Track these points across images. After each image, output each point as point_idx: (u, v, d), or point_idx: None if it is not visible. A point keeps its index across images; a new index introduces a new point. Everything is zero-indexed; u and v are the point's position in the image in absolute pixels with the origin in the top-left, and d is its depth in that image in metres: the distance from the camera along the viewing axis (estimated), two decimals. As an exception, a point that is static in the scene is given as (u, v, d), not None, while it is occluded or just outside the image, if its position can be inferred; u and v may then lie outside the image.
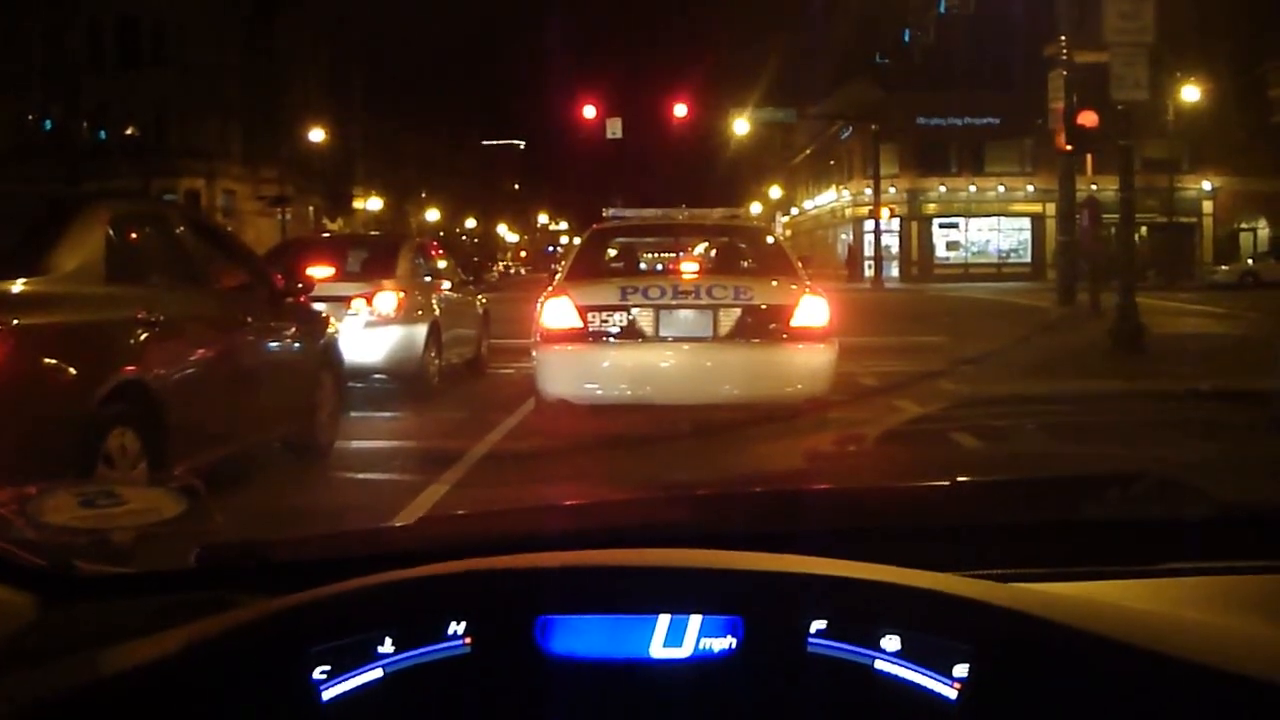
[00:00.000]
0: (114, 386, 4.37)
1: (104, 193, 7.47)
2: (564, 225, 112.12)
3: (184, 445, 4.80)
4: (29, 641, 1.15)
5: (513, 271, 68.01)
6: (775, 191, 64.14)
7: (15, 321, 4.00)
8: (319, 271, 8.59)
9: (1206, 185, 45.17)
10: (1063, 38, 17.63)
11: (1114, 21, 12.65)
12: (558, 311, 7.01)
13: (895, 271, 45.78)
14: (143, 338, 4.68)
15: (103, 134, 42.48)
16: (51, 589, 1.23)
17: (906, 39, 46.16)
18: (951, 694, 0.98)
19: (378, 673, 1.02)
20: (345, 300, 9.08)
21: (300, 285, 6.70)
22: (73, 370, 4.24)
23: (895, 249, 47.35)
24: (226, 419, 5.52)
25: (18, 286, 4.19)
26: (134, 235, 5.23)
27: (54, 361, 4.18)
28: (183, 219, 6.01)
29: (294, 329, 6.49)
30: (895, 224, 46.51)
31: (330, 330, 7.13)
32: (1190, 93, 36.35)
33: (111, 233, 4.82)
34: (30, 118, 40.67)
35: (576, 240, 11.22)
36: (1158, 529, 1.39)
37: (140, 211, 6.00)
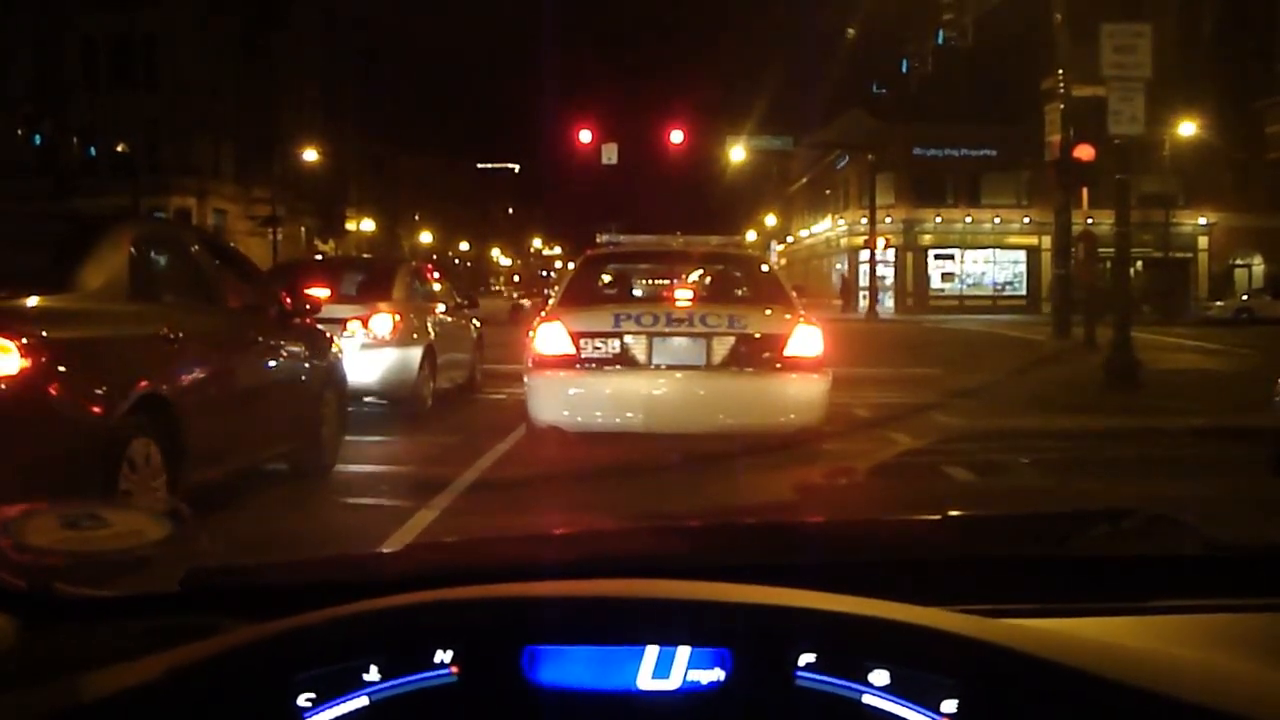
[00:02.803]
0: (137, 399, 4.58)
1: (127, 214, 7.83)
2: (558, 250, 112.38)
3: (199, 458, 5.02)
4: (8, 665, 1.14)
5: (505, 296, 67.95)
6: (771, 219, 64.45)
7: (45, 334, 4.24)
8: (316, 293, 8.63)
9: (1202, 221, 45.47)
10: (1060, 72, 17.81)
11: (1111, 56, 12.77)
12: (550, 337, 7.01)
13: (890, 302, 45.89)
14: (163, 353, 4.94)
15: (92, 151, 42.50)
16: (32, 612, 1.21)
17: (904, 69, 46.49)
18: None
19: (363, 701, 1.02)
20: (342, 322, 9.10)
21: (307, 306, 6.90)
22: (98, 381, 4.48)
23: (890, 279, 47.50)
24: (238, 434, 5.73)
25: (48, 302, 4.47)
26: (155, 255, 5.49)
27: (81, 373, 4.41)
28: (198, 240, 6.31)
29: (301, 349, 6.70)
30: (891, 254, 46.68)
31: (334, 350, 7.35)
32: (1187, 128, 36.67)
33: (134, 252, 5.07)
34: (20, 133, 40.71)
35: (570, 265, 11.24)
36: (1149, 565, 1.38)
37: (160, 232, 6.38)
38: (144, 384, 4.67)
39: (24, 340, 4.09)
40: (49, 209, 19.11)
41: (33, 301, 4.39)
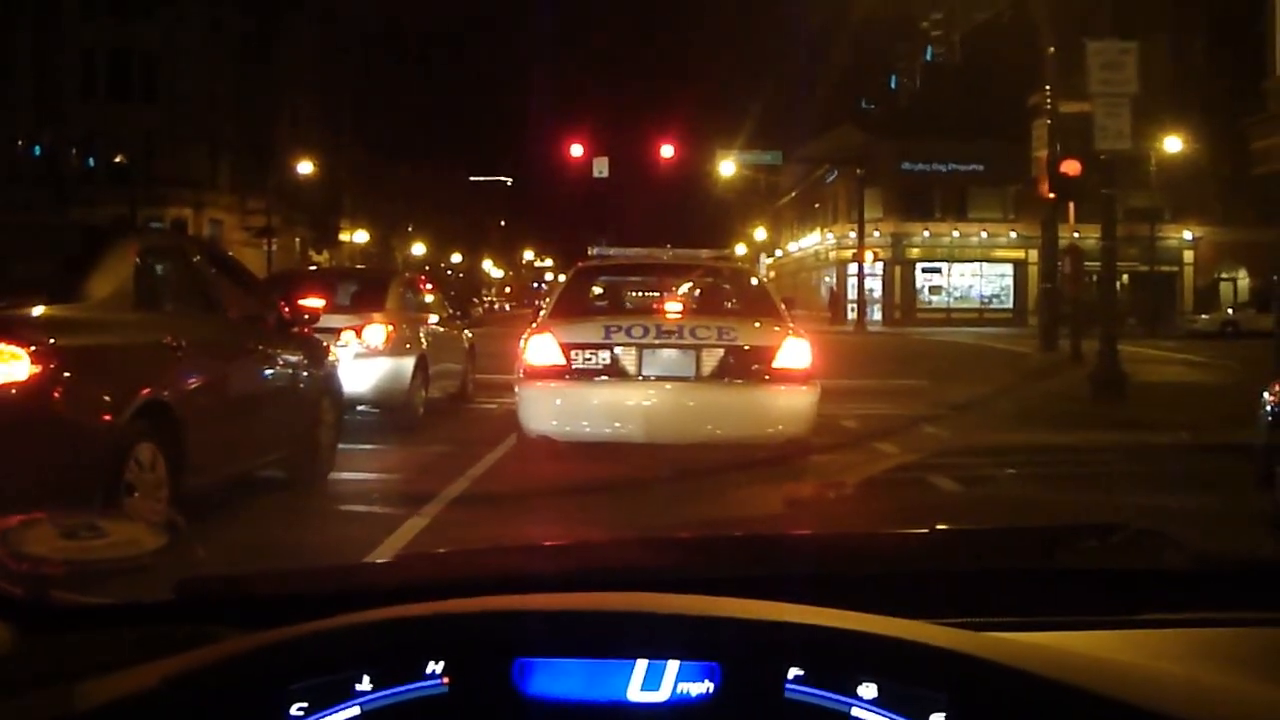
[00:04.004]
0: (140, 405, 4.73)
1: (133, 225, 7.98)
2: (549, 262, 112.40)
3: (199, 462, 5.15)
4: (5, 673, 1.14)
5: (497, 307, 68.09)
6: (760, 233, 64.58)
7: (53, 341, 4.40)
8: (310, 303, 8.67)
9: (1188, 235, 45.75)
10: (1047, 87, 17.89)
11: (1097, 73, 12.86)
12: (541, 348, 7.03)
13: (878, 315, 46.03)
14: (166, 361, 5.12)
15: (91, 161, 42.61)
16: (28, 620, 1.22)
17: (893, 85, 46.80)
18: None
19: (355, 711, 1.02)
20: (336, 332, 9.10)
21: (306, 316, 7.02)
22: (104, 388, 4.64)
23: (878, 292, 47.67)
24: (238, 440, 5.87)
25: (57, 311, 4.65)
26: (159, 265, 5.63)
27: (88, 379, 4.56)
28: (200, 251, 6.47)
29: (299, 357, 6.82)
30: (879, 268, 46.86)
31: (331, 359, 7.49)
32: (1172, 143, 36.90)
33: (139, 263, 5.23)
34: (20, 143, 40.83)
35: (561, 277, 11.27)
36: (1135, 579, 1.38)
37: (165, 244, 6.60)
38: (147, 390, 4.81)
39: (33, 347, 4.24)
40: (52, 219, 19.39)
41: (42, 310, 4.56)
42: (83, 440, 4.45)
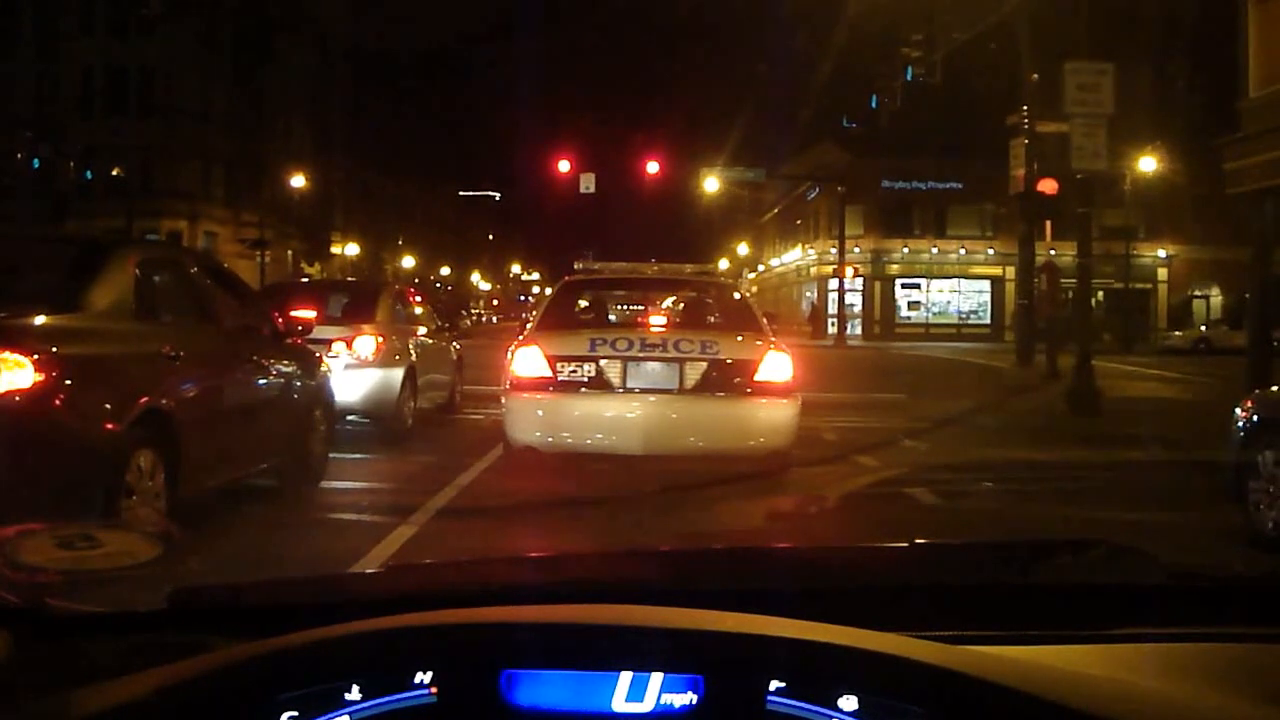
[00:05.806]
0: (140, 413, 4.82)
1: (132, 238, 8.03)
2: (536, 275, 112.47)
3: (196, 469, 5.23)
4: (1, 680, 1.15)
5: (485, 320, 67.95)
6: (743, 248, 64.75)
7: (55, 350, 4.48)
8: (302, 315, 8.69)
9: (1162, 253, 46.20)
10: (1025, 108, 18.05)
11: (1074, 94, 13.03)
12: (528, 360, 7.06)
13: (858, 329, 46.20)
14: (164, 370, 5.22)
15: (89, 174, 42.61)
16: (25, 627, 1.22)
17: (874, 104, 46.97)
18: None
19: (344, 719, 1.04)
20: (326, 343, 9.10)
21: (299, 327, 7.08)
22: (105, 396, 4.73)
23: (858, 307, 47.83)
24: (233, 448, 5.96)
25: (59, 320, 4.73)
26: (157, 277, 5.69)
27: (89, 387, 4.65)
28: (197, 263, 6.56)
29: (292, 368, 6.90)
30: (859, 283, 47.03)
31: (323, 370, 7.57)
32: (1147, 163, 37.30)
33: (139, 274, 5.30)
34: (19, 156, 40.77)
35: (548, 291, 11.29)
36: (1112, 595, 1.40)
37: (162, 256, 6.70)
38: (146, 399, 4.89)
39: (36, 356, 4.32)
40: (51, 232, 19.47)
41: (45, 320, 4.63)
42: (85, 447, 4.53)
